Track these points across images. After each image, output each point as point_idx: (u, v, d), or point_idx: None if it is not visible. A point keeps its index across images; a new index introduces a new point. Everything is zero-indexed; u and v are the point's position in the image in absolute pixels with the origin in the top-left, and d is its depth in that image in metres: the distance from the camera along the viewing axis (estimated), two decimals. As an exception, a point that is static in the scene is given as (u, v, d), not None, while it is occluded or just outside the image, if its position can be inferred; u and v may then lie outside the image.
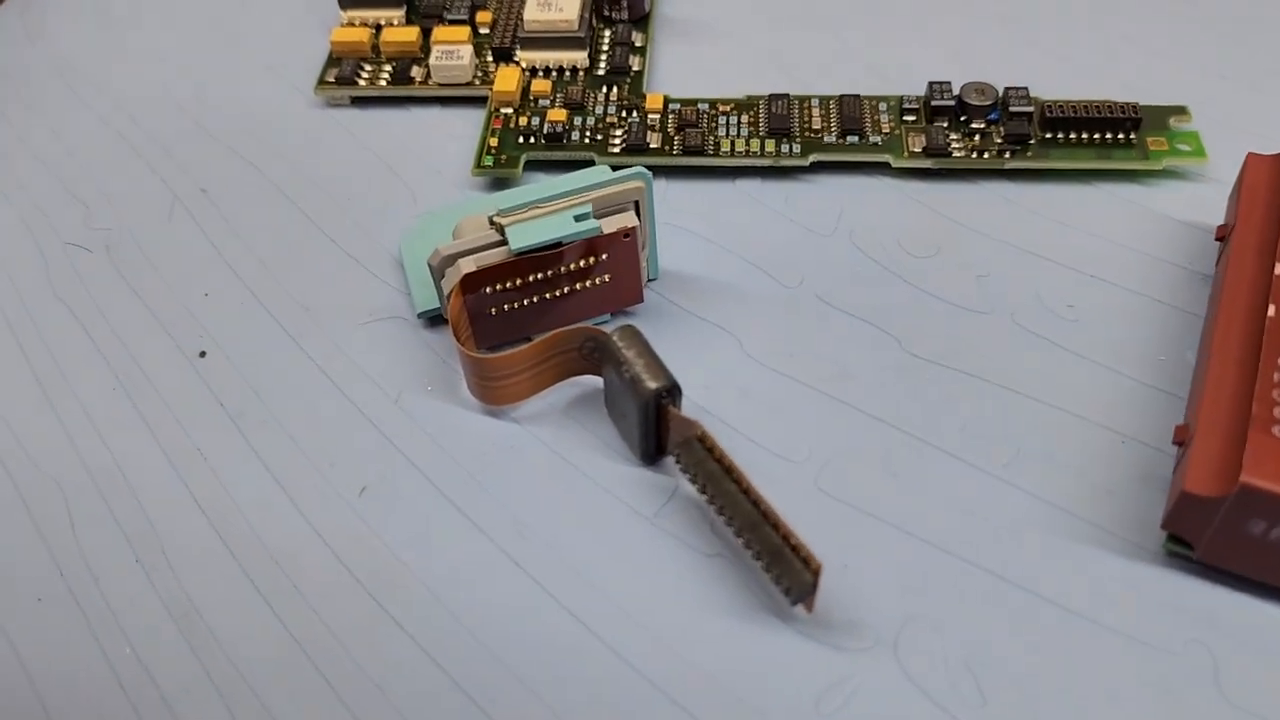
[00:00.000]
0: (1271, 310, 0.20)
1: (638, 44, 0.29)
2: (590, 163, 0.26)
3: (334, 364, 0.23)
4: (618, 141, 0.26)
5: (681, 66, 0.29)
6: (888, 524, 0.20)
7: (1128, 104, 0.25)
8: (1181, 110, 0.26)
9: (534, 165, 0.27)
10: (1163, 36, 0.29)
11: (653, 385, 0.20)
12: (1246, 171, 0.23)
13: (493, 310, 0.23)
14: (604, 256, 0.23)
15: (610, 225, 0.22)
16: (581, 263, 0.23)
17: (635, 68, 0.28)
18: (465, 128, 0.28)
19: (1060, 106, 0.26)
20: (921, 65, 0.28)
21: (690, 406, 0.22)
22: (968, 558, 0.20)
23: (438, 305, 0.23)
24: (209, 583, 0.20)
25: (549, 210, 0.22)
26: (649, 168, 0.25)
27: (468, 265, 0.22)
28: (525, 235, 0.22)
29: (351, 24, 0.30)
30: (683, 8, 0.30)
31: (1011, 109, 0.26)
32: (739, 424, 0.22)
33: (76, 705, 0.19)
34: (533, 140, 0.27)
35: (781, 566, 0.19)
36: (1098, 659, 0.19)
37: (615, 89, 0.28)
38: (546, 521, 0.21)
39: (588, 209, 0.22)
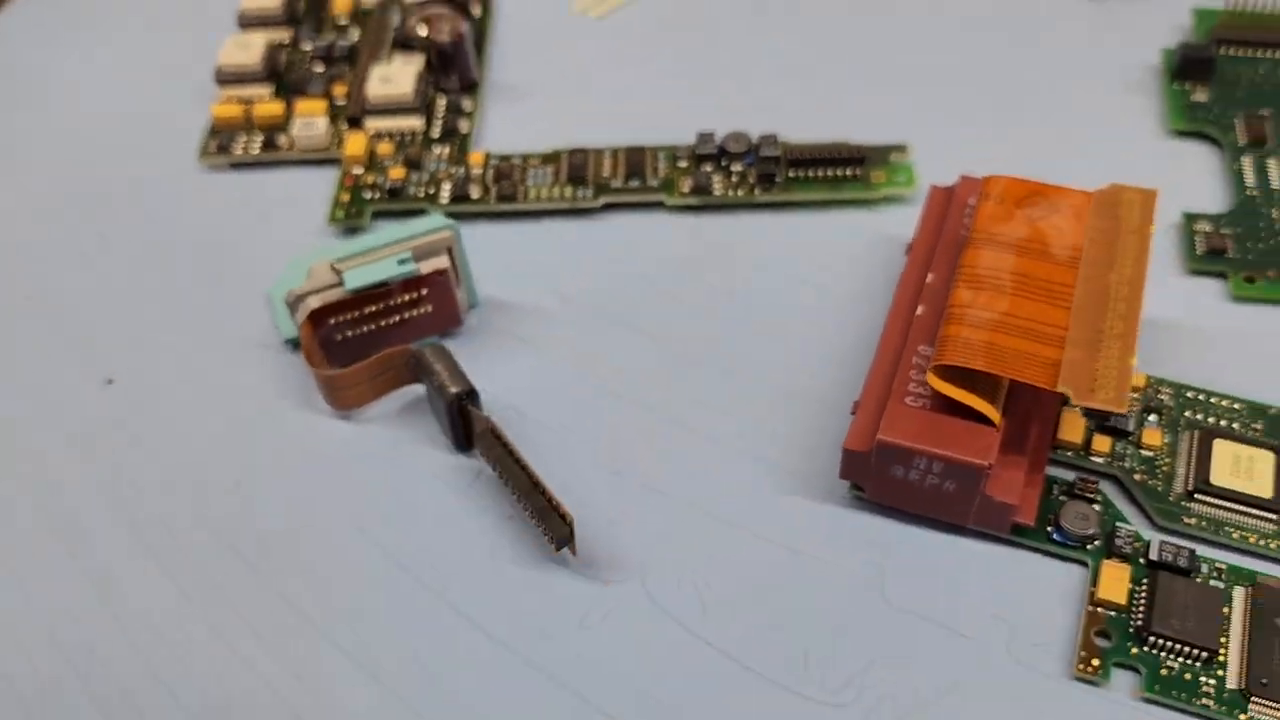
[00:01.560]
0: (920, 309, 0.26)
1: (466, 109, 0.35)
2: (424, 212, 0.32)
3: (218, 381, 0.29)
4: (447, 193, 0.32)
5: (506, 126, 0.35)
6: (646, 487, 0.26)
7: (854, 145, 0.32)
8: (901, 148, 0.32)
9: (380, 215, 0.32)
10: (895, 82, 0.35)
11: (453, 390, 0.26)
12: (927, 199, 0.29)
13: (339, 336, 0.29)
14: (424, 291, 0.29)
15: (427, 267, 0.28)
16: (407, 296, 0.29)
17: (464, 130, 0.34)
18: (324, 186, 0.33)
19: (802, 150, 0.32)
20: (695, 118, 0.34)
21: (500, 404, 0.28)
22: (703, 509, 0.26)
23: (297, 334, 0.29)
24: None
25: (378, 256, 0.28)
26: (472, 215, 0.31)
27: (314, 302, 0.28)
28: (358, 277, 0.28)
29: (229, 100, 0.35)
30: (510, 74, 0.36)
31: (762, 153, 0.32)
32: (538, 415, 0.28)
33: None
34: (377, 195, 0.32)
35: (547, 521, 0.25)
36: (793, 577, 0.25)
37: (447, 148, 0.33)
38: (385, 497, 0.26)
39: (409, 254, 0.28)
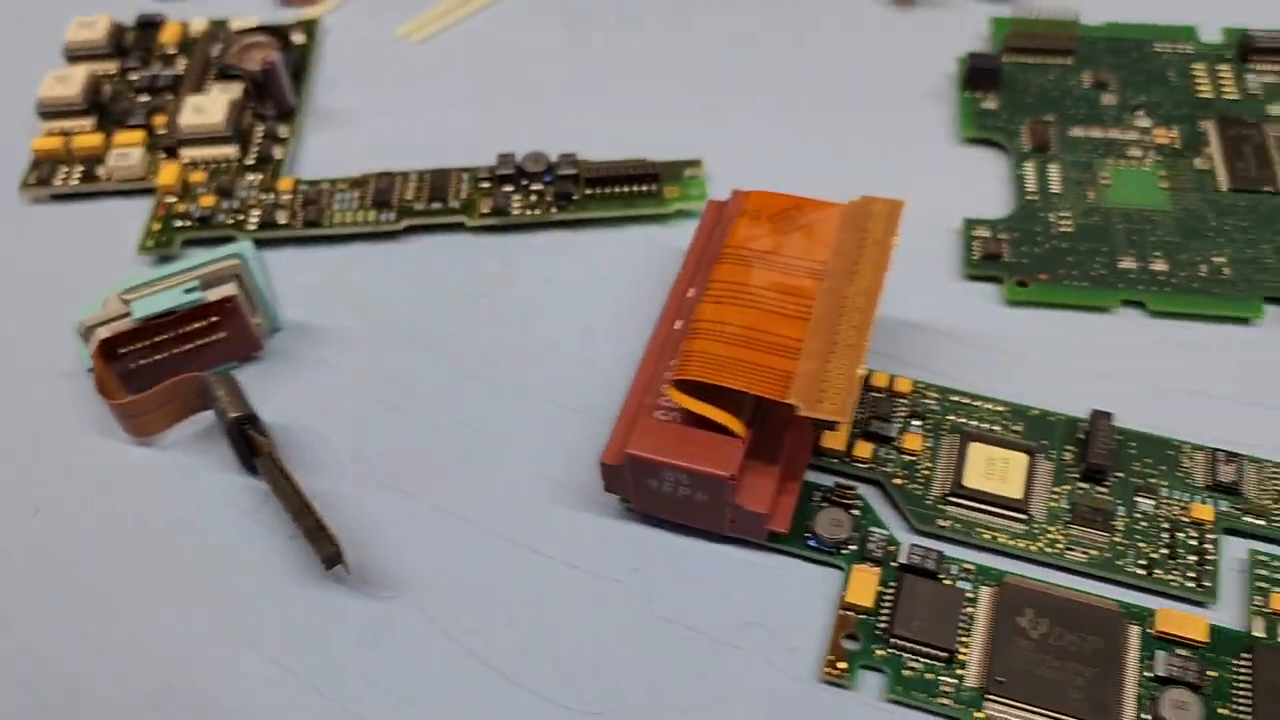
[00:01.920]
0: (677, 324, 0.27)
1: (282, 135, 0.35)
2: (233, 239, 0.32)
3: (22, 411, 0.29)
4: (255, 220, 0.33)
5: (323, 151, 0.35)
6: (429, 505, 0.27)
7: (648, 161, 0.32)
8: (696, 163, 0.33)
9: (191, 243, 0.33)
10: (696, 97, 0.36)
11: (233, 415, 0.27)
12: (703, 214, 0.30)
13: (134, 365, 0.29)
14: (216, 318, 0.29)
15: (215, 294, 0.29)
16: (199, 324, 0.29)
17: (278, 156, 0.35)
18: (141, 216, 0.34)
19: (598, 167, 0.32)
20: (503, 140, 0.34)
21: (294, 426, 0.28)
22: (481, 524, 0.27)
23: (94, 364, 0.30)
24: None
25: (166, 286, 0.29)
26: (281, 240, 0.32)
27: (103, 332, 0.28)
28: (145, 307, 0.28)
29: (50, 133, 0.36)
30: (331, 99, 0.37)
31: (560, 172, 0.32)
32: (329, 436, 0.28)
33: None
34: (188, 223, 0.33)
35: (317, 542, 0.25)
36: (563, 590, 0.25)
37: (260, 175, 0.34)
38: (177, 520, 0.27)
39: (196, 283, 0.29)
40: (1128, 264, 0.30)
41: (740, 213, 0.28)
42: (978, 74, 0.34)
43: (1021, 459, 0.26)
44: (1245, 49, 0.35)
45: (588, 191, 0.33)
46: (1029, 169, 0.33)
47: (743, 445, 0.24)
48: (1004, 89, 0.35)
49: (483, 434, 0.28)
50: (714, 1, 0.39)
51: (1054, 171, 0.32)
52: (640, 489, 0.25)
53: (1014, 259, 0.31)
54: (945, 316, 0.30)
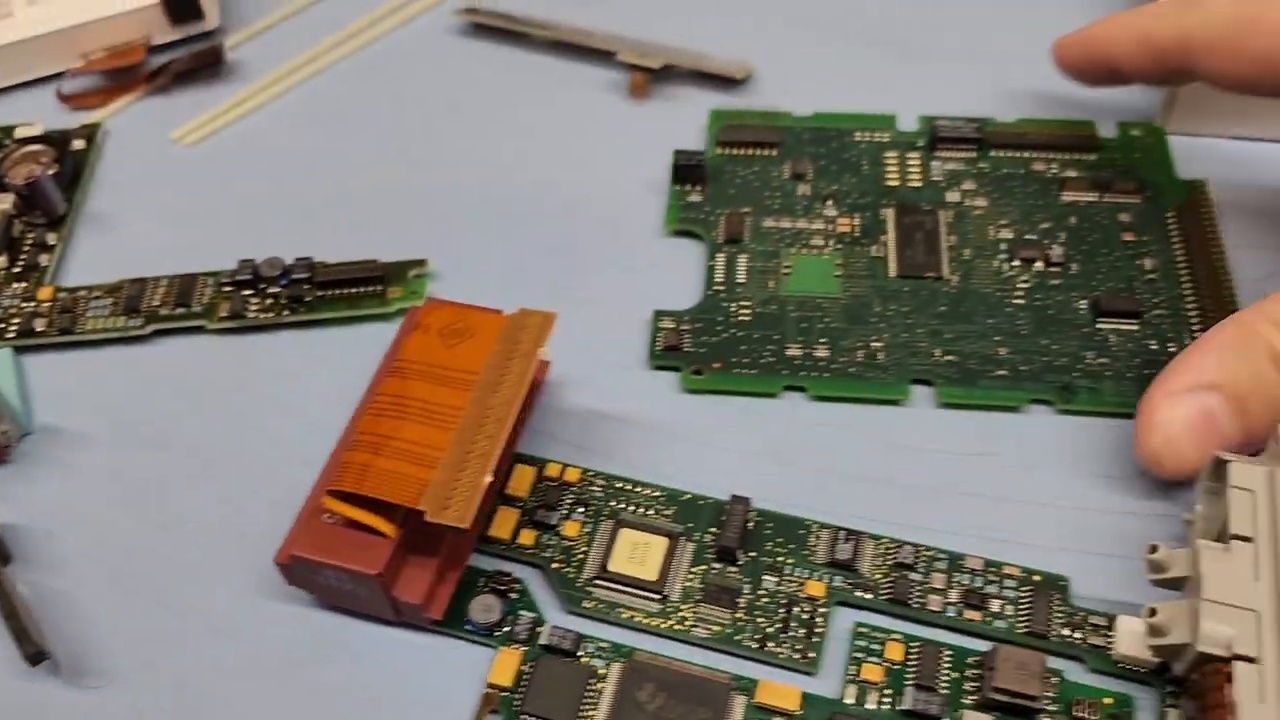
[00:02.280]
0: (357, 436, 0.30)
1: (51, 243, 0.38)
2: (-8, 348, 0.35)
3: None
4: (14, 329, 0.35)
5: (91, 257, 0.38)
6: (148, 598, 0.30)
7: (376, 263, 0.35)
8: (421, 263, 0.36)
9: (-43, 352, 0.36)
10: (428, 199, 0.39)
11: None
12: (404, 321, 0.33)
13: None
14: (-46, 428, 0.32)
15: (-46, 406, 0.31)
16: (-62, 434, 0.32)
17: (44, 264, 0.37)
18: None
19: (329, 270, 0.35)
20: (260, 243, 0.37)
21: (35, 529, 0.31)
22: (188, 616, 0.29)
23: None
24: None
25: (-91, 400, 0.31)
26: (39, 347, 0.35)
27: None
28: (-113, 423, 0.31)
29: None
30: (104, 204, 0.39)
31: (294, 276, 0.35)
32: (66, 534, 0.31)
33: None
34: (-46, 334, 0.36)
35: (21, 641, 0.28)
36: (258, 675, 0.28)
37: (25, 284, 0.37)
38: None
39: (-64, 397, 0.31)
40: (794, 351, 0.33)
41: (414, 326, 0.30)
42: (683, 169, 0.37)
43: (663, 542, 0.29)
44: (933, 137, 0.37)
45: (319, 293, 0.35)
46: (720, 260, 0.35)
47: (391, 544, 0.27)
48: (711, 182, 0.37)
49: (207, 530, 0.31)
50: (456, 110, 0.41)
51: (742, 262, 0.35)
52: (314, 585, 0.28)
53: (693, 348, 0.33)
54: (630, 405, 0.33)
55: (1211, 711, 0.23)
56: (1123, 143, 0.37)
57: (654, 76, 0.41)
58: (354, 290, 0.35)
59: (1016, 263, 0.34)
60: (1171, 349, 0.32)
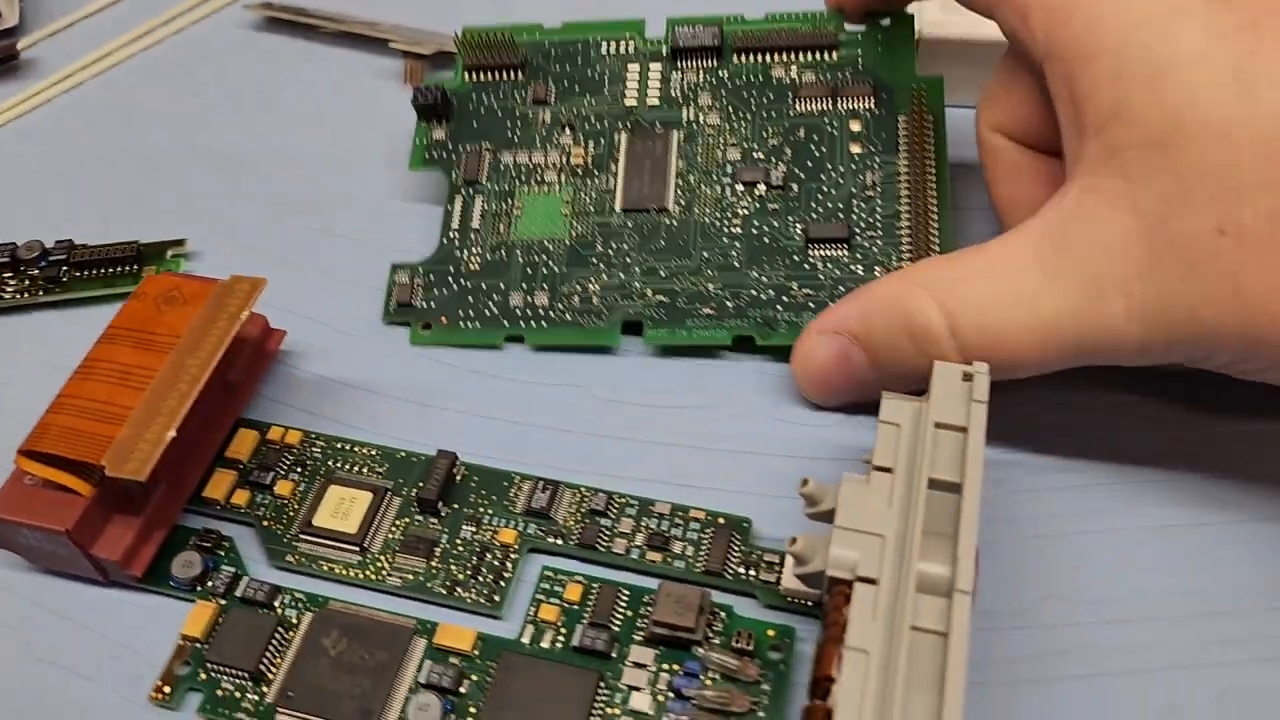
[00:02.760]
0: (70, 396, 0.30)
1: None
2: None
3: None
4: None
5: None
6: None
7: (133, 243, 0.36)
8: (180, 242, 0.37)
9: None
10: (191, 179, 0.39)
11: None
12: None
13: None
14: None
15: None
16: None
17: None
18: None
19: (88, 251, 0.36)
20: (21, 234, 0.38)
21: None
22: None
23: None
24: None
25: None
26: None
27: None
28: None
29: None
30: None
31: (52, 258, 0.36)
32: None
33: None
34: None
35: None
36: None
37: None
38: None
39: None
40: (517, 300, 0.33)
41: (135, 295, 0.31)
42: (423, 107, 0.36)
43: (366, 497, 0.30)
44: (675, 50, 0.36)
45: (75, 274, 0.36)
46: (457, 204, 0.35)
47: (85, 502, 0.28)
48: (458, 114, 0.36)
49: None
50: (239, 101, 0.43)
51: (478, 205, 0.35)
52: (20, 547, 0.29)
53: (425, 302, 0.34)
54: (362, 368, 0.34)
55: (830, 631, 0.24)
56: (869, 35, 0.35)
57: (430, 62, 0.42)
58: (110, 270, 0.36)
59: (739, 187, 0.34)
60: (878, 272, 0.32)
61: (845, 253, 0.33)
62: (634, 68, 0.36)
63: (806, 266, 0.33)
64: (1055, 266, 0.26)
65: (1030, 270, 0.26)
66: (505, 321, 0.33)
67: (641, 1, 0.38)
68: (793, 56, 0.35)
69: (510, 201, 0.35)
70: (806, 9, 0.36)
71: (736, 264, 0.33)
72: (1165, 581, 0.28)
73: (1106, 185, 0.25)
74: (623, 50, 0.37)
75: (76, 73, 0.44)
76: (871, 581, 0.24)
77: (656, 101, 0.36)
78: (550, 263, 0.34)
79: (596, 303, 0.33)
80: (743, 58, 0.36)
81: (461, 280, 0.34)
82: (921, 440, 0.26)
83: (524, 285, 0.34)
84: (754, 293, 0.33)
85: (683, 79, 0.36)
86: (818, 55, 0.35)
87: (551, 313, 0.33)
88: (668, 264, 0.33)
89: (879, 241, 0.33)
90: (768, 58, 0.36)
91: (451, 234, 0.35)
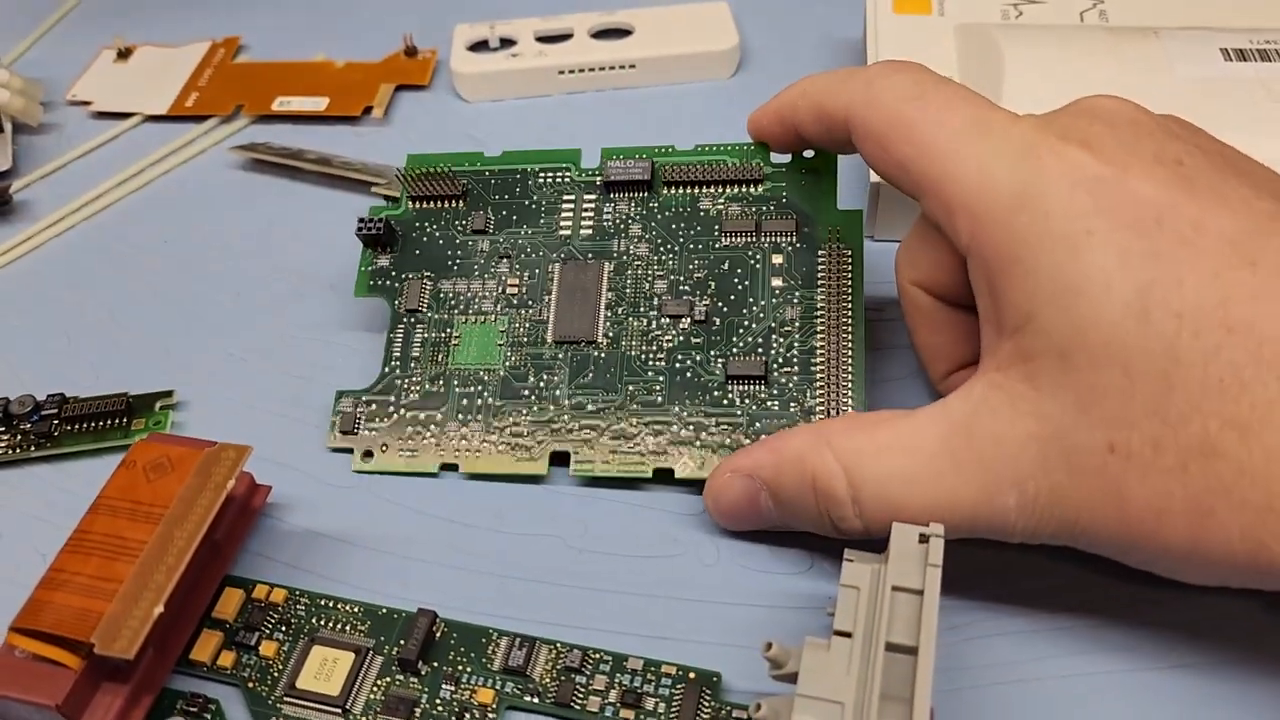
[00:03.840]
0: (60, 564, 0.31)
1: None
2: None
3: None
4: None
5: None
6: None
7: (121, 396, 0.37)
8: (169, 394, 0.38)
9: None
10: (179, 335, 0.41)
11: None
12: (133, 454, 0.34)
13: None
14: None
15: None
16: None
17: None
18: None
19: (78, 404, 0.37)
20: (10, 385, 0.39)
21: None
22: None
23: None
24: None
25: None
26: None
27: None
28: None
29: None
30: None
31: (44, 412, 0.37)
32: None
33: None
34: None
35: None
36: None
37: None
38: None
39: None
40: (451, 430, 0.35)
41: (123, 463, 0.32)
42: (368, 237, 0.38)
43: (349, 657, 0.31)
44: (607, 184, 0.37)
45: (66, 428, 0.37)
46: (399, 333, 0.37)
47: (74, 675, 0.29)
48: (401, 243, 0.38)
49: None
50: (222, 241, 0.44)
51: (418, 337, 0.37)
52: (11, 719, 0.30)
53: (368, 430, 0.36)
54: (344, 515, 0.35)
55: (792, 800, 0.25)
56: (793, 168, 0.37)
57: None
58: (100, 424, 0.37)
59: (665, 320, 0.35)
60: (794, 409, 0.34)
61: (762, 389, 0.34)
62: (569, 199, 0.38)
63: (725, 403, 0.34)
64: (957, 457, 0.28)
65: (935, 457, 0.28)
66: (442, 451, 0.35)
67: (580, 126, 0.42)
68: (719, 190, 0.37)
69: (449, 331, 0.37)
70: (738, 140, 0.37)
71: (659, 399, 0.35)
72: (1119, 730, 0.29)
73: (1014, 388, 0.27)
74: (558, 180, 0.39)
75: (67, 216, 0.45)
76: (832, 749, 0.25)
77: (590, 231, 0.38)
78: (485, 394, 0.36)
79: (526, 436, 0.35)
80: (672, 190, 0.37)
81: (402, 410, 0.36)
82: (879, 603, 0.27)
83: (459, 416, 0.36)
84: (675, 429, 0.34)
85: (614, 209, 0.38)
86: (743, 189, 0.37)
87: (485, 444, 0.35)
88: (595, 398, 0.35)
89: (795, 378, 0.34)
90: (695, 190, 0.37)
91: (393, 363, 0.37)
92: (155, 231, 0.45)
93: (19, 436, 0.37)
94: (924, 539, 0.28)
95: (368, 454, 0.36)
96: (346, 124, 0.48)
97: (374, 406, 0.36)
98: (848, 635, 0.27)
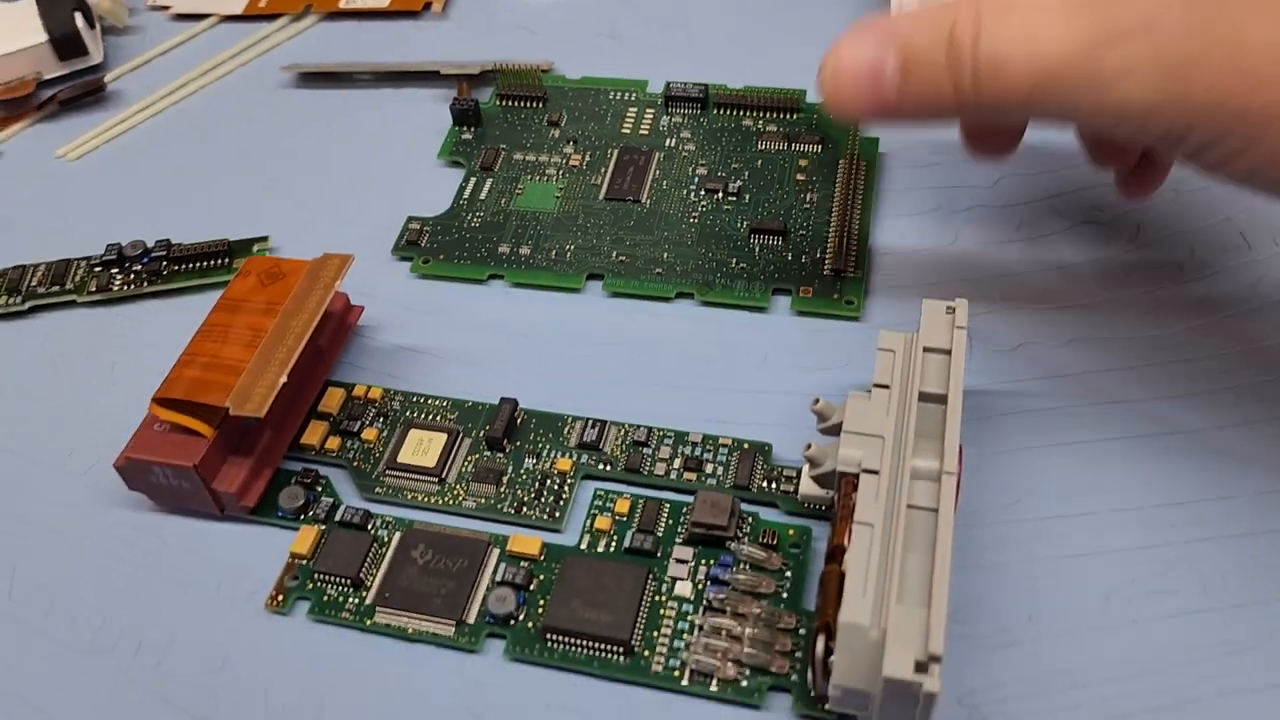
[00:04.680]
0: (186, 359, 0.36)
1: (-52, 244, 0.44)
2: (-105, 328, 0.41)
3: None
4: (-86, 311, 0.41)
5: (-17, 253, 0.44)
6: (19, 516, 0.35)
7: (223, 240, 0.42)
8: (264, 239, 0.42)
9: None
10: (271, 184, 0.45)
11: None
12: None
13: None
14: None
15: None
16: None
17: (-58, 260, 0.43)
18: None
19: (184, 249, 0.42)
20: (124, 231, 0.43)
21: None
22: (46, 526, 0.35)
23: None
24: None
25: None
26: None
27: None
28: None
29: None
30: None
31: (153, 254, 0.42)
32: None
33: None
34: None
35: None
36: (104, 565, 0.34)
37: (-75, 276, 0.43)
38: None
39: None
40: (504, 249, 0.41)
41: (240, 273, 0.37)
42: (457, 112, 0.45)
43: (442, 438, 0.35)
44: (667, 97, 0.45)
45: (175, 268, 0.42)
46: (471, 182, 0.43)
47: (208, 443, 0.33)
48: (484, 124, 0.46)
49: (73, 459, 0.37)
50: (298, 121, 0.48)
51: (488, 184, 0.43)
52: (149, 485, 0.34)
53: (429, 244, 0.41)
54: (428, 334, 0.39)
55: (841, 512, 0.29)
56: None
57: (473, 81, 0.48)
58: (205, 264, 0.42)
59: (702, 192, 0.42)
60: (805, 260, 0.39)
61: (780, 241, 0.40)
62: (633, 110, 0.46)
63: (745, 250, 0.40)
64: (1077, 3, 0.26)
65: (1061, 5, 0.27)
66: (491, 263, 0.40)
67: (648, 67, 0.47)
68: (761, 114, 0.44)
69: (514, 185, 0.43)
70: (781, 85, 0.45)
71: (689, 242, 0.40)
72: (1124, 480, 0.33)
73: None
74: (626, 99, 0.46)
75: (157, 101, 0.49)
76: (874, 472, 0.29)
77: (647, 133, 0.45)
78: (538, 227, 0.41)
79: (570, 258, 0.40)
80: (721, 110, 0.45)
81: (463, 233, 0.42)
82: (912, 363, 0.32)
83: (513, 239, 0.41)
84: (699, 263, 0.39)
85: (670, 120, 0.45)
86: (781, 115, 0.44)
87: (530, 260, 0.40)
88: (633, 238, 0.40)
89: (809, 238, 0.40)
90: (741, 112, 0.45)
91: (461, 201, 0.43)
92: (239, 112, 0.49)
93: (131, 276, 0.42)
94: (950, 310, 0.32)
95: (425, 260, 0.41)
96: (408, 19, 0.52)
97: (439, 228, 0.42)
98: (886, 387, 0.31)
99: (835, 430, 0.32)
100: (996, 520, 0.32)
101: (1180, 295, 0.37)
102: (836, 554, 0.28)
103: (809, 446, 0.31)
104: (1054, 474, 0.33)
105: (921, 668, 0.25)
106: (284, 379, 0.33)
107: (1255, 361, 0.35)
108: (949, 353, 0.31)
